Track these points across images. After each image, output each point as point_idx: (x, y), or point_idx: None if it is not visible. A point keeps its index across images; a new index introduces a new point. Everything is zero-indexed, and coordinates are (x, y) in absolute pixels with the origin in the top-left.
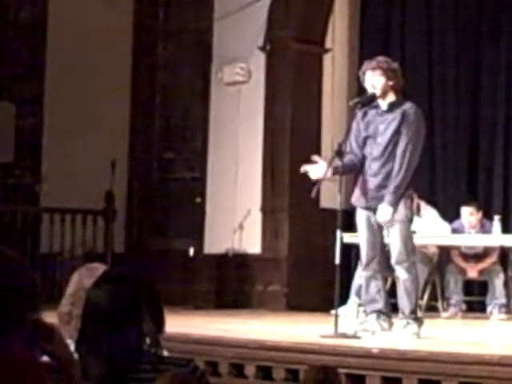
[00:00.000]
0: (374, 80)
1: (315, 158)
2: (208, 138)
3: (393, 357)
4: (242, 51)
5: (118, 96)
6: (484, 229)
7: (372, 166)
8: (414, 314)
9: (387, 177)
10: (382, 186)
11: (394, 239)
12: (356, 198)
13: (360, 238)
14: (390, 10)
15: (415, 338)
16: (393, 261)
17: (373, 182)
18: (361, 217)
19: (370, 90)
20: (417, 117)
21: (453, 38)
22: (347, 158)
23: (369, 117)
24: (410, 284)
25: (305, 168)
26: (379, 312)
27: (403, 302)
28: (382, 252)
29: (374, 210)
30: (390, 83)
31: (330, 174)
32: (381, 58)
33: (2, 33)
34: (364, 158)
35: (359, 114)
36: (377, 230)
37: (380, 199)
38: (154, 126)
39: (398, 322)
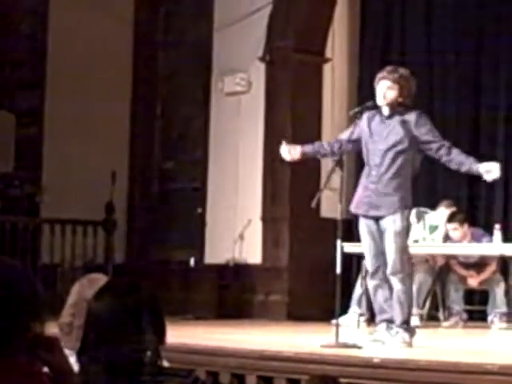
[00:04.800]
0: (387, 91)
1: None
2: (208, 148)
3: (394, 366)
4: (242, 61)
5: (118, 106)
6: (476, 238)
7: (372, 173)
8: (406, 325)
9: (388, 184)
10: (382, 194)
11: (389, 249)
12: (355, 205)
13: (363, 247)
14: (390, 19)
15: (405, 347)
16: (388, 271)
17: (373, 190)
18: (362, 226)
19: (378, 96)
20: (423, 116)
21: (452, 45)
22: (325, 143)
23: (374, 123)
24: (403, 295)
25: (284, 148)
26: (388, 321)
27: (395, 312)
28: (386, 261)
29: (373, 218)
30: (400, 100)
31: (297, 155)
32: (404, 73)
33: (3, 43)
34: (341, 148)
35: (365, 116)
36: (378, 239)
37: (380, 208)
38: (155, 136)
39: (390, 330)
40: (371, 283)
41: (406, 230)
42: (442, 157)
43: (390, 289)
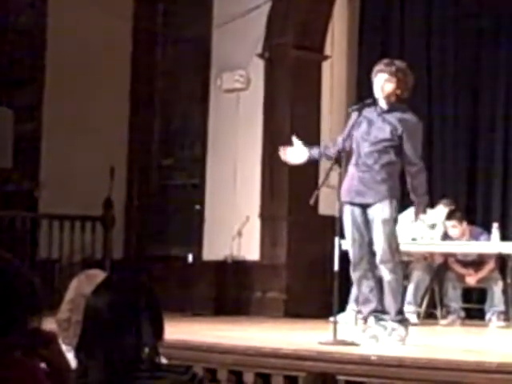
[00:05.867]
0: (384, 84)
1: (295, 140)
2: (207, 144)
3: (391, 364)
4: (241, 58)
5: (117, 102)
6: (474, 237)
7: (362, 162)
8: (401, 315)
9: (378, 174)
10: (370, 183)
11: (378, 239)
12: (346, 193)
13: (347, 237)
14: (389, 17)
15: (401, 345)
16: (377, 260)
17: (362, 178)
18: (347, 215)
19: (376, 89)
20: (419, 128)
21: (452, 43)
22: (330, 148)
23: (370, 114)
24: (394, 284)
25: (284, 153)
26: (375, 312)
27: (389, 303)
28: (372, 251)
29: (360, 207)
30: (398, 92)
31: (305, 158)
32: (401, 66)
33: (1, 38)
34: (345, 151)
35: (355, 114)
36: (364, 229)
37: (367, 195)
38: (153, 132)
39: (385, 324)
40: (355, 274)
41: (394, 219)
42: (407, 175)
43: (375, 278)
